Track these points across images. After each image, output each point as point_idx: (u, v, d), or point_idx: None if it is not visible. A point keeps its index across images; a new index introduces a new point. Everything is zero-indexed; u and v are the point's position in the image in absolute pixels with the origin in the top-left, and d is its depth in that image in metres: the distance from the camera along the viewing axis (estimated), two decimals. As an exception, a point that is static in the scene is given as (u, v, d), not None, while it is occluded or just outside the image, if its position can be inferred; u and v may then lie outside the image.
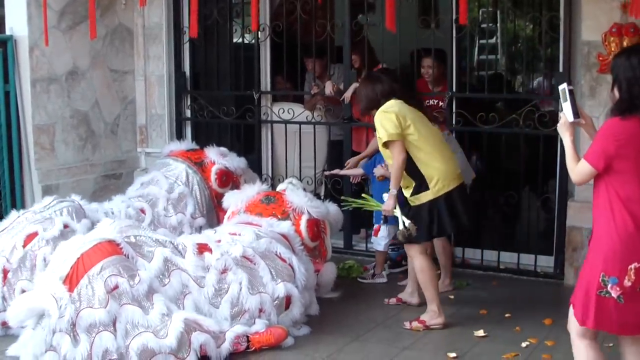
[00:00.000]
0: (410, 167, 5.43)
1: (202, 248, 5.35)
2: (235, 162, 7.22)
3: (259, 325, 5.18)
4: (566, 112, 3.80)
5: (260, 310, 5.26)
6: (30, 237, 5.60)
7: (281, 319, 5.35)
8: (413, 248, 5.62)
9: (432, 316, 5.60)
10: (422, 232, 5.47)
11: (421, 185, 5.43)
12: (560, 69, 6.57)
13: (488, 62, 8.67)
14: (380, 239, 6.67)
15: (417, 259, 5.61)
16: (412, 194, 5.47)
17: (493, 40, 9.46)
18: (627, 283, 3.58)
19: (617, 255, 3.60)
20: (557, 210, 6.66)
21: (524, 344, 5.21)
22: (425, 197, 5.43)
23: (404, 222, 5.41)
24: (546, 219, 6.86)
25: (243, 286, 5.23)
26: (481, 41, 8.54)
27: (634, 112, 3.59)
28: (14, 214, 5.95)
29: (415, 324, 5.59)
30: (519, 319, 5.74)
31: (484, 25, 8.16)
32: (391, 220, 5.72)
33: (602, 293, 3.62)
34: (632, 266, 3.58)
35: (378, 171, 6.44)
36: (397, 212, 5.45)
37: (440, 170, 5.41)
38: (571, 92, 3.78)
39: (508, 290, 6.51)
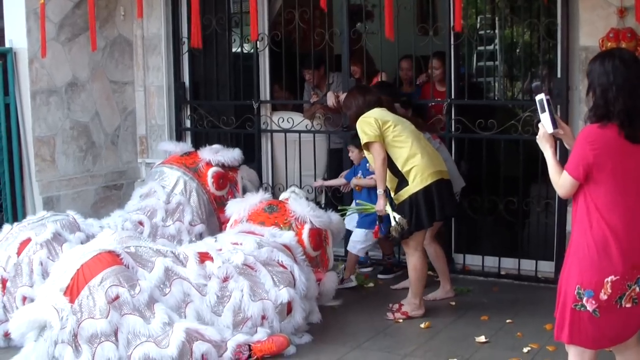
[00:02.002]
0: (392, 168, 5.78)
1: (204, 257, 5.37)
2: (229, 155, 7.17)
3: (261, 334, 5.18)
4: (545, 123, 3.72)
5: (263, 317, 5.26)
6: (24, 244, 5.59)
7: (283, 326, 5.36)
8: (409, 245, 5.91)
9: (413, 308, 5.98)
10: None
11: (402, 182, 5.80)
12: (558, 75, 6.59)
13: (486, 69, 8.68)
14: (356, 243, 6.76)
15: (412, 256, 5.93)
16: (396, 192, 5.82)
17: (491, 47, 9.47)
18: (602, 296, 3.52)
19: (594, 268, 3.52)
20: (557, 215, 6.67)
21: (525, 350, 5.22)
22: (406, 192, 5.77)
23: (394, 218, 5.71)
24: (546, 225, 6.86)
25: (245, 293, 5.24)
26: (479, 48, 8.55)
27: (611, 119, 3.51)
28: (6, 227, 5.90)
29: (397, 314, 5.96)
30: (520, 324, 5.75)
31: (481, 32, 8.17)
32: (386, 220, 5.89)
33: (577, 306, 3.56)
34: (609, 279, 3.50)
35: (353, 182, 6.83)
36: (389, 209, 5.77)
37: (418, 166, 5.74)
38: (548, 102, 3.71)
39: (509, 296, 6.51)
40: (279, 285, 5.39)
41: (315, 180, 7.68)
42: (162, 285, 5.01)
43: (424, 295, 6.12)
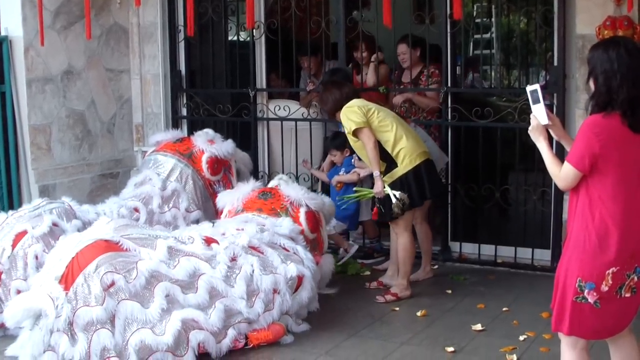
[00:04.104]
0: (380, 151, 5.94)
1: (209, 240, 5.36)
2: (222, 148, 7.10)
3: (259, 324, 5.17)
4: (538, 115, 3.65)
5: (275, 291, 5.26)
6: (20, 236, 5.55)
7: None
8: (399, 225, 6.09)
9: (401, 289, 6.14)
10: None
11: (392, 164, 5.99)
12: (555, 63, 6.59)
13: (483, 57, 8.67)
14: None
15: (402, 235, 6.10)
16: (385, 173, 5.96)
17: (488, 35, 9.47)
18: (604, 288, 3.49)
19: (595, 260, 3.49)
20: (554, 203, 6.67)
21: (521, 338, 5.23)
22: (396, 173, 5.98)
23: (395, 196, 5.87)
24: (543, 213, 6.86)
25: (255, 268, 5.24)
26: (476, 36, 8.54)
27: (615, 107, 3.46)
28: (1, 217, 5.86)
29: (388, 297, 6.09)
30: (516, 312, 5.76)
31: (478, 20, 8.16)
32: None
33: (578, 299, 3.54)
34: (610, 271, 3.48)
35: (335, 179, 7.05)
36: (388, 190, 5.91)
37: (406, 147, 5.95)
38: (542, 92, 3.66)
39: (505, 284, 6.51)
40: (286, 262, 5.42)
41: (311, 167, 7.69)
42: (168, 261, 4.98)
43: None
